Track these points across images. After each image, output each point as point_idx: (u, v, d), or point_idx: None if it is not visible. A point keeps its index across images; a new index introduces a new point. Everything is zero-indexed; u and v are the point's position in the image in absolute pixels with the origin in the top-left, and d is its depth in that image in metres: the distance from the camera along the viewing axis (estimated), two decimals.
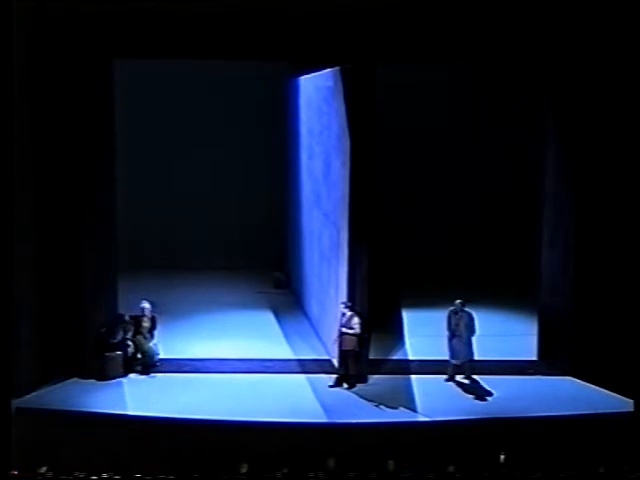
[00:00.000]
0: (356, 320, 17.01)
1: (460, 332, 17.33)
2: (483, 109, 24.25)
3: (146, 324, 18.04)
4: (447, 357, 17.56)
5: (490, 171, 24.27)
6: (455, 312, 17.43)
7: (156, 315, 18.26)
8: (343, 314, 17.12)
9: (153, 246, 24.47)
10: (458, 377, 17.60)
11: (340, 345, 17.22)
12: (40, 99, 16.85)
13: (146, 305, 18.18)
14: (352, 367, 17.25)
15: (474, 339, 17.43)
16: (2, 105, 15.46)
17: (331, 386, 17.30)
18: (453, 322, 17.42)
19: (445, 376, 17.55)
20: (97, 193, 17.73)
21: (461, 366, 17.52)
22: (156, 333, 18.16)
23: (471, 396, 16.96)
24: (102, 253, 17.92)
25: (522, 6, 16.63)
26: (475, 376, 17.59)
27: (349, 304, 17.13)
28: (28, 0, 15.83)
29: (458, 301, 17.45)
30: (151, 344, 17.99)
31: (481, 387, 17.30)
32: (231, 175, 24.88)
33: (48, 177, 17.18)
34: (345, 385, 17.28)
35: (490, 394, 17.00)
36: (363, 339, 17.24)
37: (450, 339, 17.46)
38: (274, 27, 16.98)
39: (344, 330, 17.05)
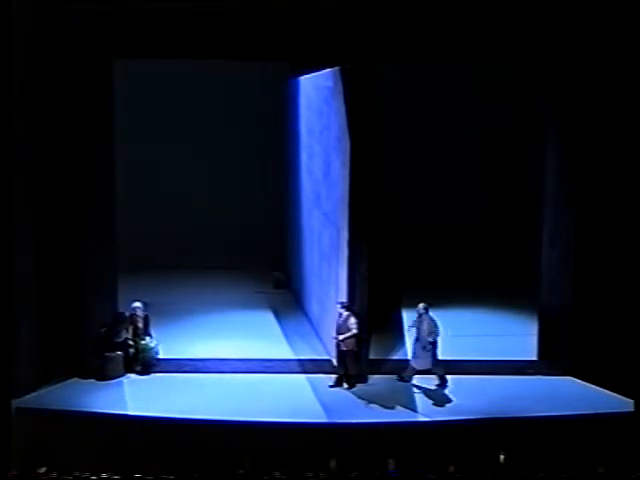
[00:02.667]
0: (353, 320, 16.95)
1: (420, 336, 16.98)
2: (483, 109, 24.23)
3: (140, 324, 18.07)
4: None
5: (490, 171, 24.29)
6: (419, 315, 17.07)
7: (148, 314, 18.26)
8: (340, 314, 17.12)
9: (153, 246, 24.43)
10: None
11: (338, 345, 17.20)
12: (40, 99, 16.83)
13: (138, 304, 18.21)
14: (351, 367, 17.22)
15: (439, 341, 17.07)
16: (2, 105, 15.50)
17: (331, 386, 17.29)
18: (416, 325, 17.13)
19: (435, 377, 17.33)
20: (97, 193, 17.74)
21: (425, 371, 17.14)
22: (152, 332, 18.17)
23: (471, 397, 16.95)
24: (102, 253, 17.91)
25: (522, 6, 16.64)
26: (476, 376, 17.54)
27: (346, 304, 17.09)
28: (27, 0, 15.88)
29: (421, 304, 17.11)
30: (149, 343, 17.99)
31: (473, 388, 17.20)
32: (231, 175, 24.86)
33: (48, 177, 17.16)
34: (345, 385, 17.27)
35: (487, 395, 16.92)
36: (362, 339, 17.23)
37: (414, 342, 17.22)
38: (274, 27, 17.00)
39: (341, 337, 16.92)
